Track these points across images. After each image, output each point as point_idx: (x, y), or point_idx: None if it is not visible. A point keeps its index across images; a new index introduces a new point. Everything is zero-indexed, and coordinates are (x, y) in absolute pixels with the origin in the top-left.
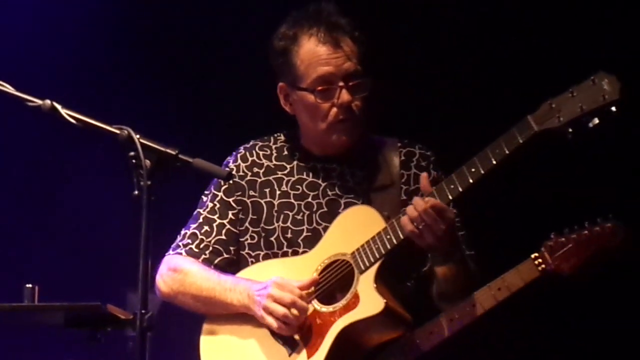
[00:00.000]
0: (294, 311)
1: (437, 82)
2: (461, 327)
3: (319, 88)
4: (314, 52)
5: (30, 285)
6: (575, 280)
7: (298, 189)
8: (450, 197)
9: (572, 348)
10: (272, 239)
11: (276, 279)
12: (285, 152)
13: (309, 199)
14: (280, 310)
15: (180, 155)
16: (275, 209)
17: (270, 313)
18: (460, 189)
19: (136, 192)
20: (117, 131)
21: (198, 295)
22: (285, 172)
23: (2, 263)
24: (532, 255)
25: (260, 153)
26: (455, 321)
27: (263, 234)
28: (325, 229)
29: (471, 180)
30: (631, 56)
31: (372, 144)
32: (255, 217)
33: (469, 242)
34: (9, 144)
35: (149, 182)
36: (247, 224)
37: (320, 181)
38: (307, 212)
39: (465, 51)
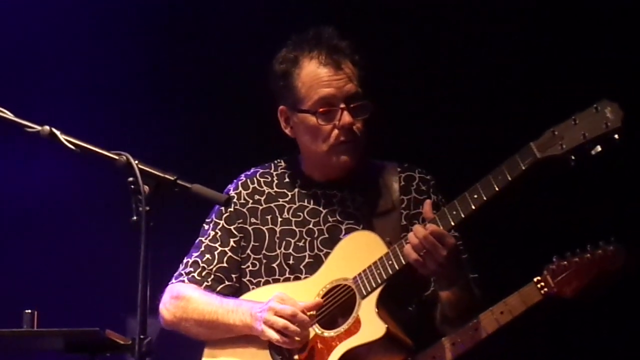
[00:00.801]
0: (295, 324)
1: (437, 106)
2: (463, 351)
3: (321, 110)
4: (315, 74)
5: (29, 311)
6: (578, 303)
7: (299, 216)
8: (453, 224)
9: None
10: (274, 265)
11: (278, 293)
12: (287, 179)
13: (310, 226)
14: (281, 322)
15: (179, 181)
16: (277, 235)
17: (271, 325)
18: (463, 215)
19: (135, 218)
20: (116, 157)
21: (201, 319)
22: (287, 199)
23: (1, 288)
24: (535, 279)
25: (262, 180)
26: (458, 345)
27: (265, 261)
28: (327, 255)
29: (473, 207)
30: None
31: (372, 168)
32: (257, 244)
33: (471, 266)
34: (8, 170)
35: (147, 208)
36: (248, 251)
37: (321, 208)
38: (309, 239)
39: (465, 76)
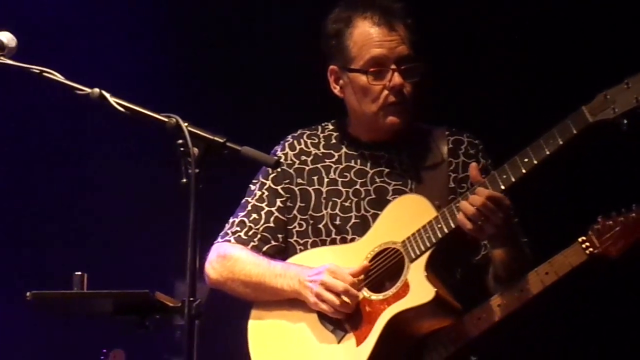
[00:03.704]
0: (345, 299)
1: (488, 71)
2: (509, 312)
3: (372, 69)
4: (367, 34)
5: (79, 273)
6: (623, 263)
7: (346, 177)
8: (503, 187)
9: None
10: (320, 226)
11: (329, 266)
12: (333, 140)
13: (357, 186)
14: (332, 297)
15: (228, 143)
16: (324, 196)
17: (323, 300)
18: (513, 179)
19: (184, 180)
20: (165, 119)
21: (248, 281)
22: (333, 159)
23: (51, 251)
24: (580, 239)
25: (308, 141)
26: (503, 306)
27: (311, 222)
28: (374, 215)
29: (524, 171)
30: None
31: (420, 131)
32: (303, 204)
33: (521, 229)
34: (57, 135)
35: (197, 170)
36: (295, 212)
37: (368, 168)
38: (356, 199)
39: (515, 41)
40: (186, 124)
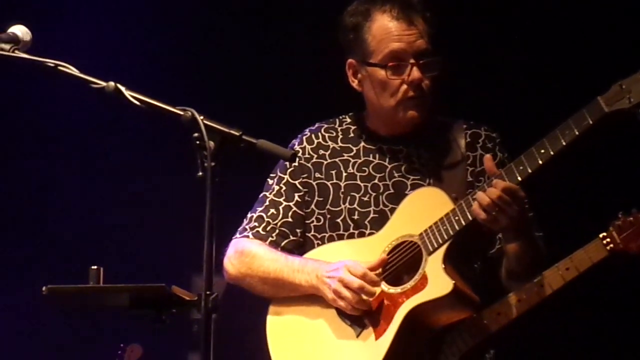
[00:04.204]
0: (364, 296)
1: (503, 64)
2: (529, 307)
3: (390, 64)
4: (386, 28)
5: (95, 267)
6: None
7: (364, 171)
8: (520, 179)
9: None
10: (338, 220)
11: (347, 262)
12: (351, 134)
13: (376, 181)
14: (350, 295)
15: (244, 136)
16: (342, 190)
17: (340, 296)
18: (530, 171)
19: (200, 174)
20: (181, 112)
21: (266, 277)
22: (352, 154)
23: (66, 245)
24: (600, 235)
25: (326, 135)
26: (523, 302)
27: (329, 216)
28: (392, 210)
29: (540, 162)
30: None
31: (438, 125)
32: (321, 199)
33: (537, 224)
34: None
35: (212, 164)
36: (313, 206)
37: (386, 163)
38: (374, 194)
39: (531, 34)
40: (202, 117)
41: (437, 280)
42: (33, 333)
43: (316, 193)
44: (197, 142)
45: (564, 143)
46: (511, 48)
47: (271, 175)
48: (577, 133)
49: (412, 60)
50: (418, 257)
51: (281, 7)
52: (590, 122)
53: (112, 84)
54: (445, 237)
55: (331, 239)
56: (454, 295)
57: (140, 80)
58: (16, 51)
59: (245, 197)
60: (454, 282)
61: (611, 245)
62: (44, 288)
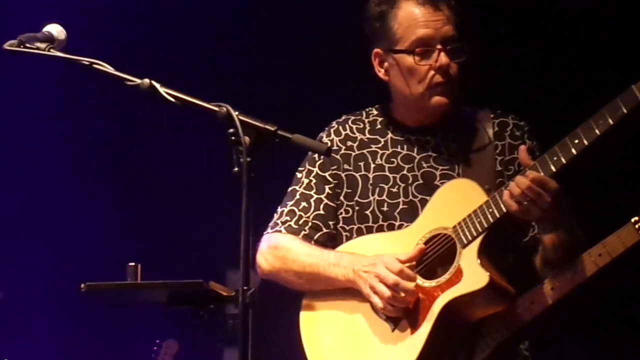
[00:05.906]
0: (401, 293)
1: (532, 52)
2: (563, 295)
3: (418, 50)
4: (412, 14)
5: (133, 264)
6: None
7: (393, 162)
8: (554, 170)
9: None
10: (367, 212)
11: (384, 257)
12: (379, 126)
13: (404, 172)
14: (387, 291)
15: (279, 131)
16: (370, 182)
17: (377, 293)
18: (564, 161)
19: (236, 169)
20: (216, 108)
21: (301, 271)
22: (379, 145)
23: (106, 242)
24: (632, 219)
25: (354, 127)
26: (557, 289)
27: (357, 208)
28: (422, 201)
29: (574, 152)
30: None
31: (465, 115)
32: (349, 190)
33: (571, 210)
34: (114, 128)
35: (248, 159)
36: (342, 198)
37: (415, 153)
38: (403, 185)
39: (561, 22)
40: (237, 113)
41: (472, 273)
42: (72, 329)
43: (345, 185)
44: (233, 138)
45: (598, 133)
46: (544, 36)
47: (300, 168)
48: (611, 122)
49: (439, 46)
50: (452, 250)
51: (307, 2)
52: (625, 111)
53: (146, 81)
54: (480, 229)
55: (360, 231)
56: (490, 288)
57: (175, 75)
58: (51, 50)
59: (270, 193)
60: (489, 274)
61: None
62: (82, 285)
